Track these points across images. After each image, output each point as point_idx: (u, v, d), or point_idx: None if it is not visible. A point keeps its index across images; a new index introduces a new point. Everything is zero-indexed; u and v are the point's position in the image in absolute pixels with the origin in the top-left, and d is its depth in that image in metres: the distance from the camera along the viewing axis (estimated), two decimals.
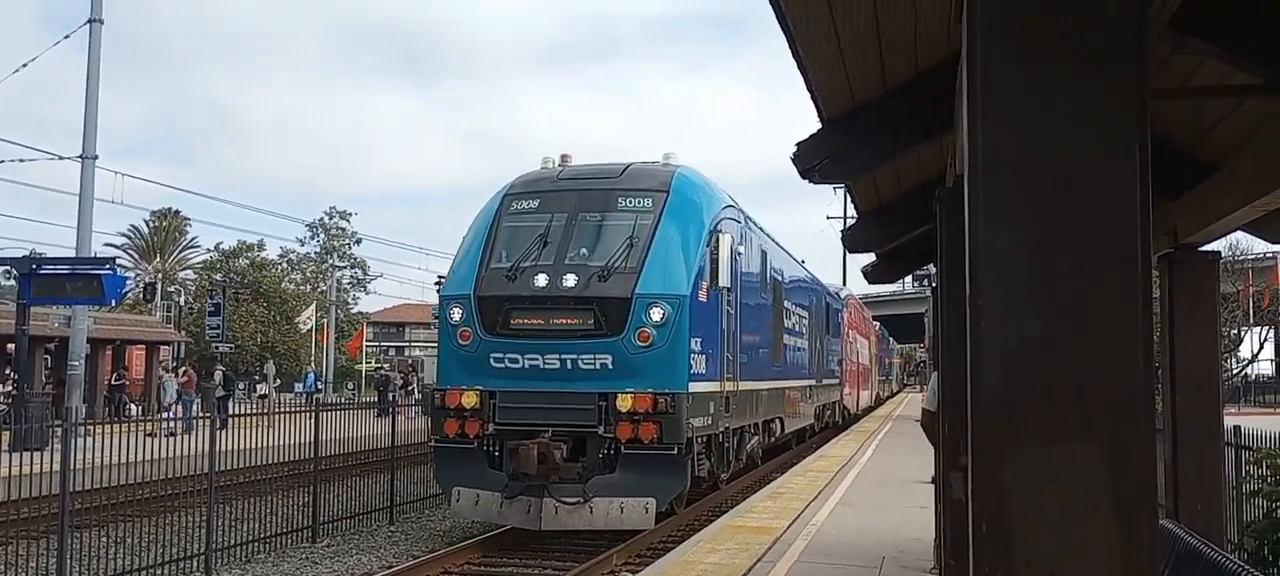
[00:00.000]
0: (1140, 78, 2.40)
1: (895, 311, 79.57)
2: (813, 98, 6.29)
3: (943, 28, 5.28)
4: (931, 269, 14.11)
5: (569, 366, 13.82)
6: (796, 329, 23.87)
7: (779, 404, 21.34)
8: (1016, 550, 2.42)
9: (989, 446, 2.49)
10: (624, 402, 13.37)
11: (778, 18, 4.99)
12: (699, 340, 14.35)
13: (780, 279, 21.60)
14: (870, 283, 17.19)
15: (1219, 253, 9.31)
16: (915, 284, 73.12)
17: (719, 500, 17.77)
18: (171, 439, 15.13)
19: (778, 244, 22.04)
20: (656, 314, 13.67)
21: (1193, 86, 6.21)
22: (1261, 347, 49.33)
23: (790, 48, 5.41)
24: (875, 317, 61.64)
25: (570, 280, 14.03)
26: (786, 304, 22.34)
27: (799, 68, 5.70)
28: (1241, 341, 43.72)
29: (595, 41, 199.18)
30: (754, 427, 18.97)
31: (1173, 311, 8.83)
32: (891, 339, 72.54)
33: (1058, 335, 2.41)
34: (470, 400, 13.99)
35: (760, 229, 19.85)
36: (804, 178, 6.68)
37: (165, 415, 25.60)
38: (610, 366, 13.72)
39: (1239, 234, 21.54)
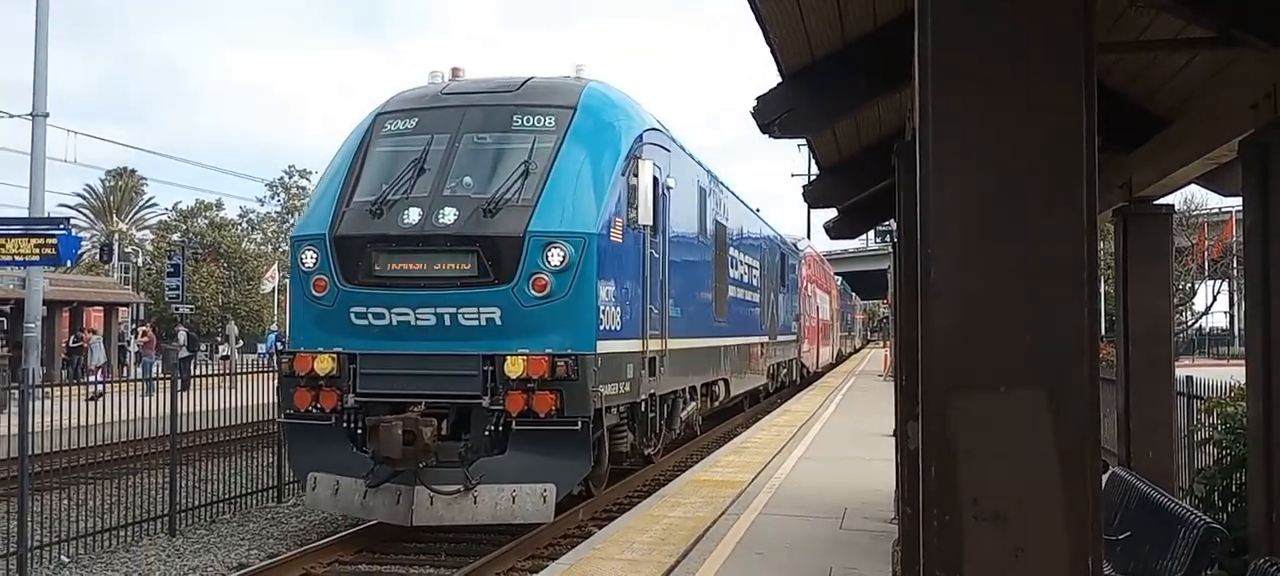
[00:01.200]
0: (1086, 29, 2.44)
1: (859, 268, 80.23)
2: (772, 51, 6.30)
3: None
4: (892, 224, 14.21)
5: (447, 323, 11.18)
6: (745, 280, 21.38)
7: (723, 364, 18.89)
8: (963, 493, 2.49)
9: (938, 392, 2.55)
10: (514, 367, 10.72)
11: None
12: (612, 289, 11.81)
13: (725, 223, 18.88)
14: (832, 238, 17.30)
15: (1172, 206, 9.46)
16: (878, 240, 73.67)
17: (654, 475, 15.71)
18: (144, 399, 14.97)
19: (724, 185, 19.41)
20: (556, 256, 10.96)
21: (1146, 40, 6.28)
22: (1215, 299, 50.29)
23: (750, 4, 5.40)
24: (838, 274, 62.07)
25: (449, 216, 11.25)
26: (733, 252, 19.72)
27: (758, 20, 5.71)
28: (1196, 294, 44.51)
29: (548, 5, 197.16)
30: (690, 392, 16.41)
31: (1127, 264, 8.98)
32: (855, 294, 72.85)
33: (1004, 283, 2.46)
34: (325, 365, 11.22)
35: (699, 163, 17.10)
36: (764, 132, 6.71)
37: (91, 380, 25.24)
38: (499, 322, 11.06)
39: (1194, 188, 21.84)
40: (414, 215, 11.38)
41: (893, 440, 11.10)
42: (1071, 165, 2.46)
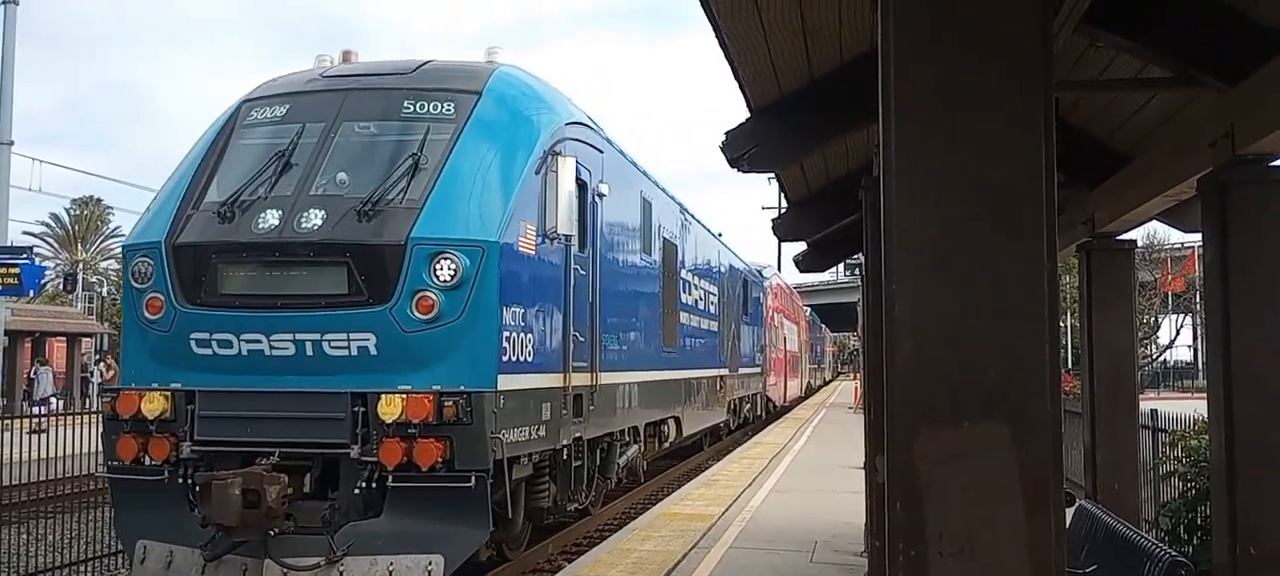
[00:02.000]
0: (1045, 70, 2.48)
1: (829, 300, 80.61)
2: (740, 87, 6.36)
3: (865, 18, 5.37)
4: (861, 257, 14.30)
5: (309, 353, 8.95)
6: (701, 308, 19.23)
7: (673, 399, 16.56)
8: (929, 528, 2.50)
9: (903, 426, 2.57)
10: (390, 408, 8.52)
11: (704, 9, 5.03)
12: (522, 312, 9.59)
13: (676, 243, 16.67)
14: (802, 271, 17.36)
15: (1135, 242, 9.60)
16: (848, 273, 74.17)
17: (623, 508, 15.12)
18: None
19: (677, 202, 17.19)
20: (446, 270, 8.82)
21: (1107, 79, 6.40)
22: (1178, 333, 50.95)
23: (717, 37, 5.45)
24: (809, 306, 62.29)
25: (315, 219, 9.04)
26: (687, 276, 17.65)
27: (726, 57, 5.76)
28: (1159, 328, 45.09)
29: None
30: (631, 433, 13.90)
31: (1091, 299, 9.09)
32: (824, 326, 72.89)
33: (966, 317, 2.49)
34: (155, 406, 8.98)
35: (645, 173, 14.79)
36: (733, 166, 6.75)
37: (38, 410, 24.84)
38: (373, 352, 8.85)
39: (1156, 223, 22.15)
40: (272, 218, 9.11)
41: (863, 472, 11.13)
42: (1032, 200, 2.50)
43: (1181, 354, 58.50)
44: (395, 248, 8.85)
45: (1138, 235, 9.83)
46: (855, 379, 48.65)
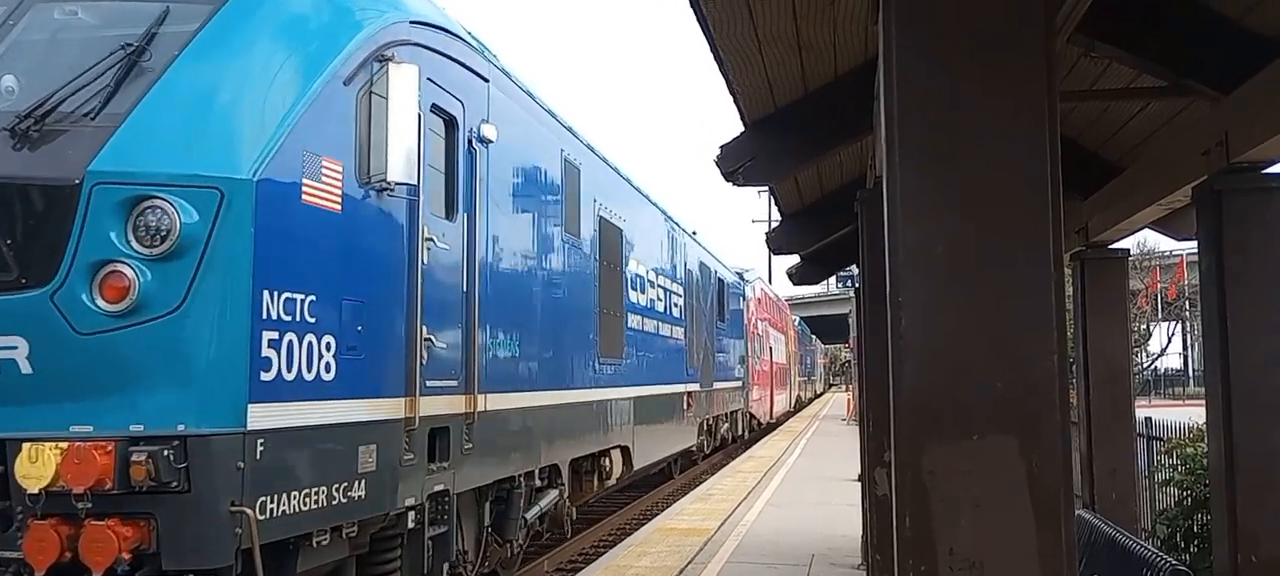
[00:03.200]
0: (1049, 81, 2.47)
1: (820, 312, 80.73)
2: (735, 100, 6.36)
3: (860, 31, 5.37)
4: (854, 269, 14.30)
5: None
6: (660, 309, 15.53)
7: (616, 423, 12.91)
8: (939, 543, 2.48)
9: (910, 441, 2.55)
10: (35, 467, 5.15)
11: (698, 21, 5.03)
12: (302, 300, 5.99)
13: (620, 226, 13.06)
14: (795, 284, 17.35)
15: (1128, 250, 9.62)
16: (839, 285, 74.31)
17: (619, 522, 14.04)
18: None
19: (622, 175, 13.65)
20: (152, 225, 5.47)
21: (1100, 89, 6.42)
22: (1170, 341, 51.13)
23: (711, 50, 5.46)
24: (801, 318, 62.19)
25: None
26: (637, 269, 14.00)
27: (720, 70, 5.76)
28: (1150, 336, 45.25)
29: None
30: (547, 474, 10.28)
31: (1085, 308, 9.10)
32: (815, 337, 72.14)
33: (974, 330, 2.47)
34: None
35: (567, 127, 11.13)
36: (727, 180, 6.75)
37: None
38: (24, 368, 5.44)
39: (1146, 232, 22.30)
40: None
41: (858, 485, 11.11)
42: (1038, 211, 2.49)
43: (1172, 361, 58.75)
44: (62, 189, 5.40)
45: (1130, 243, 9.85)
46: (847, 391, 48.59)
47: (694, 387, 18.39)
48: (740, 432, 26.74)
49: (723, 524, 13.42)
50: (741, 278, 27.35)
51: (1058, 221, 2.50)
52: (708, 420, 20.64)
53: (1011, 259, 2.49)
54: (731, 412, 24.60)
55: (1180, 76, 5.40)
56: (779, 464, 21.62)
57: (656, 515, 15.27)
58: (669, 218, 16.84)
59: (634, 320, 13.78)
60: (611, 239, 12.58)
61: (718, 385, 21.55)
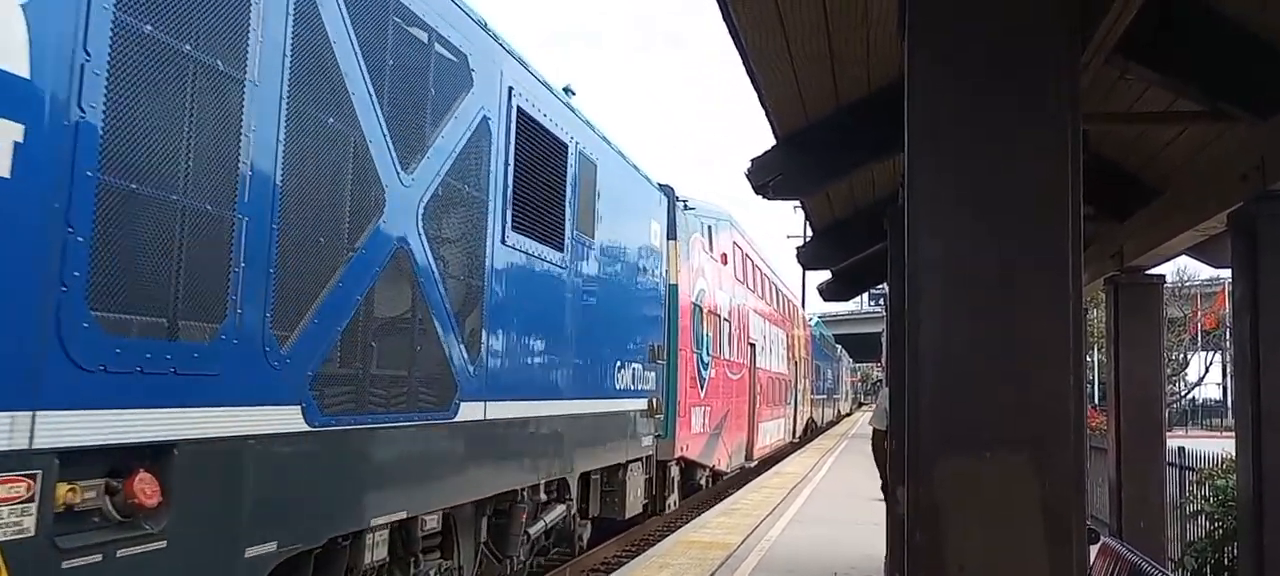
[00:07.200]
0: (1072, 99, 2.47)
1: (854, 330, 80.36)
2: (767, 114, 6.36)
3: (892, 46, 5.36)
4: (886, 287, 14.21)
5: None
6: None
7: None
8: (949, 557, 2.47)
9: (924, 456, 2.54)
10: None
11: (732, 37, 5.04)
12: None
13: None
14: (826, 300, 17.20)
15: (1164, 277, 9.51)
16: (872, 302, 74.02)
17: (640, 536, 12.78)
18: None
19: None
20: None
21: (1137, 112, 6.36)
22: (1208, 370, 50.33)
23: (744, 65, 5.47)
24: (835, 336, 61.19)
25: None
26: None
27: (753, 85, 5.77)
28: (1188, 365, 44.56)
29: None
30: None
31: (1118, 333, 9.00)
32: (841, 348, 63.43)
33: (990, 347, 2.47)
34: None
35: None
36: (758, 194, 6.75)
37: None
38: None
39: (1186, 259, 22.02)
40: None
41: (885, 504, 11.04)
42: (1057, 231, 2.48)
43: (1211, 392, 57.76)
44: None
45: (1167, 270, 9.73)
46: None
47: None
48: (619, 514, 12.25)
49: (746, 538, 13.37)
50: (675, 202, 14.80)
51: (1077, 240, 2.49)
52: (461, 512, 7.88)
53: (1029, 276, 2.48)
54: (624, 465, 12.07)
55: (1217, 101, 5.34)
56: (806, 481, 21.52)
57: (679, 527, 15.24)
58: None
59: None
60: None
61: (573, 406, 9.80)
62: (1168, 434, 9.91)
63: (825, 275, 14.12)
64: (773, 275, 27.17)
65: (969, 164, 2.56)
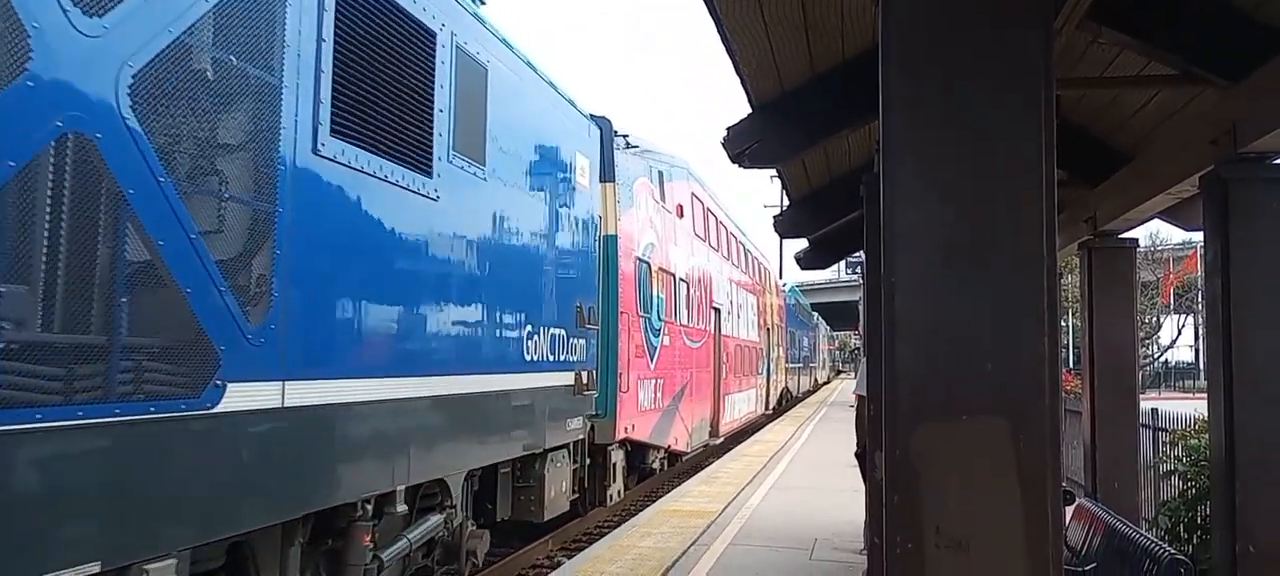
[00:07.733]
0: (1046, 65, 2.48)
1: (831, 299, 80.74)
2: (742, 83, 6.35)
3: (867, 14, 5.36)
4: (862, 255, 14.25)
5: None
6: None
7: None
8: (926, 520, 2.50)
9: (901, 420, 2.56)
10: None
11: (706, 3, 5.02)
12: None
13: None
14: (803, 269, 17.22)
15: (1136, 240, 9.59)
16: (849, 271, 74.30)
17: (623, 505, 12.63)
18: None
19: None
20: None
21: (1110, 77, 6.39)
22: (1180, 334, 50.90)
23: (719, 33, 5.45)
24: (812, 305, 61.49)
25: None
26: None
27: (727, 53, 5.75)
28: (1161, 328, 45.04)
29: None
30: None
31: (1092, 297, 9.08)
32: (818, 317, 63.82)
33: (965, 312, 2.49)
34: None
35: None
36: (734, 162, 6.75)
37: None
38: None
39: (1159, 223, 22.19)
40: None
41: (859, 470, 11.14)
42: (1031, 196, 2.50)
43: (1183, 354, 58.48)
44: None
45: (1140, 234, 9.81)
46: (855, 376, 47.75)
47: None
48: (564, 498, 11.09)
49: (727, 506, 13.46)
50: (612, 136, 13.21)
51: (1052, 206, 2.51)
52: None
53: (1004, 242, 2.49)
54: (542, 454, 10.08)
55: (1189, 65, 5.37)
56: (785, 448, 21.66)
57: (661, 497, 15.32)
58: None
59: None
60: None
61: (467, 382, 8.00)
62: (1141, 396, 10.03)
63: (802, 243, 14.15)
64: (742, 235, 24.86)
65: (944, 131, 2.57)
